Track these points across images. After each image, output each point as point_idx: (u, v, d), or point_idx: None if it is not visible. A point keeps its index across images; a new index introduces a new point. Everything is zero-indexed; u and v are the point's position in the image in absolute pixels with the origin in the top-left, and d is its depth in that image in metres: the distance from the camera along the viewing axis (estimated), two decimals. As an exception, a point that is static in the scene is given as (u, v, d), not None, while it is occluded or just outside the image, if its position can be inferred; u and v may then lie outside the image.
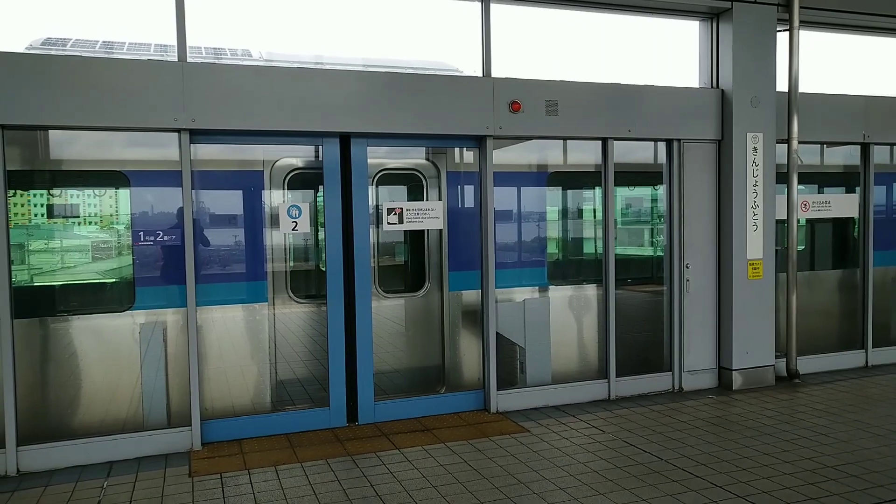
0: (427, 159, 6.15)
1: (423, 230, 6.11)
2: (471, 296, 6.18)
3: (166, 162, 5.21)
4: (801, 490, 4.24)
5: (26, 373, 4.98)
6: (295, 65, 5.49)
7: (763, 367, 6.77)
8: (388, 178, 6.11)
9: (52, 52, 5.05)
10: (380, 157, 5.96)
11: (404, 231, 6.14)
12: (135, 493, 4.39)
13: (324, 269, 5.70)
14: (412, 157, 6.16)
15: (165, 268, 5.28)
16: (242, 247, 5.58)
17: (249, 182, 5.58)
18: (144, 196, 5.26)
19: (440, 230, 6.07)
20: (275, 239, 5.65)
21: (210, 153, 5.44)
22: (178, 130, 5.11)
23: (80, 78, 4.85)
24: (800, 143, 6.80)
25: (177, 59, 5.13)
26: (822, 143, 7.46)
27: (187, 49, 5.17)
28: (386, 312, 6.11)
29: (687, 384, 6.68)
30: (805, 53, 6.91)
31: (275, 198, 5.63)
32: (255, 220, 5.57)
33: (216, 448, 5.21)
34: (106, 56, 5.14)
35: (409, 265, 6.43)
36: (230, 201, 5.60)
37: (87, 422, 5.14)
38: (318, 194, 5.82)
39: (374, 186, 5.93)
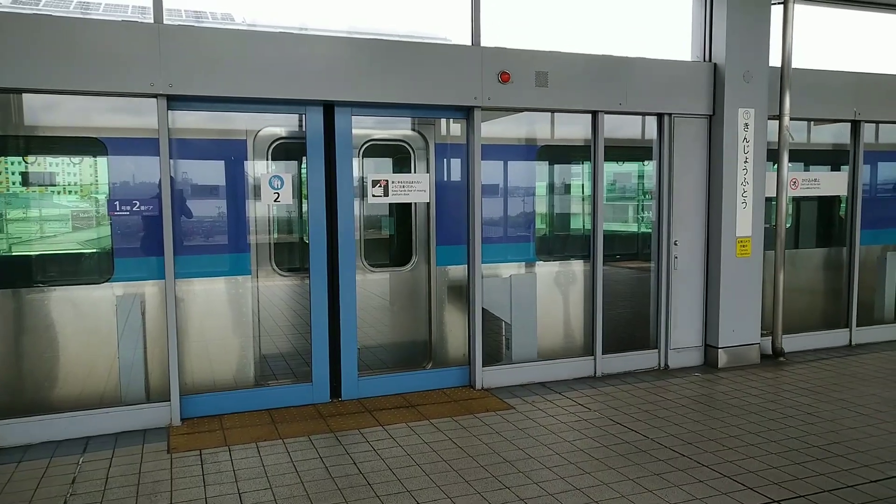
0: (414, 130, 5.99)
1: (411, 203, 5.98)
2: (458, 271, 6.08)
3: (144, 129, 5.02)
4: (788, 470, 4.22)
5: (0, 345, 4.84)
6: (278, 30, 5.30)
7: (749, 345, 6.76)
8: (375, 149, 5.96)
9: (23, 11, 4.81)
10: (366, 128, 5.80)
11: (391, 204, 6.01)
12: (111, 470, 4.29)
13: (308, 241, 5.57)
14: (399, 128, 6.00)
15: (144, 238, 5.12)
16: (224, 218, 5.43)
17: (232, 151, 5.41)
18: (122, 164, 5.09)
19: (427, 203, 5.94)
20: (258, 210, 5.50)
21: (190, 121, 5.26)
22: (155, 96, 4.91)
23: (52, 39, 4.63)
24: (791, 119, 6.73)
25: (153, 21, 4.92)
26: (812, 120, 7.39)
27: (164, 11, 4.96)
28: (371, 287, 6.00)
29: (673, 362, 6.66)
30: (798, 28, 6.79)
31: (258, 168, 5.47)
32: (237, 190, 5.42)
33: (196, 424, 5.11)
34: (79, 16, 4.92)
35: (396, 239, 6.30)
36: (212, 171, 5.43)
37: (62, 396, 5.01)
38: (303, 165, 5.66)
39: (359, 158, 5.77)
